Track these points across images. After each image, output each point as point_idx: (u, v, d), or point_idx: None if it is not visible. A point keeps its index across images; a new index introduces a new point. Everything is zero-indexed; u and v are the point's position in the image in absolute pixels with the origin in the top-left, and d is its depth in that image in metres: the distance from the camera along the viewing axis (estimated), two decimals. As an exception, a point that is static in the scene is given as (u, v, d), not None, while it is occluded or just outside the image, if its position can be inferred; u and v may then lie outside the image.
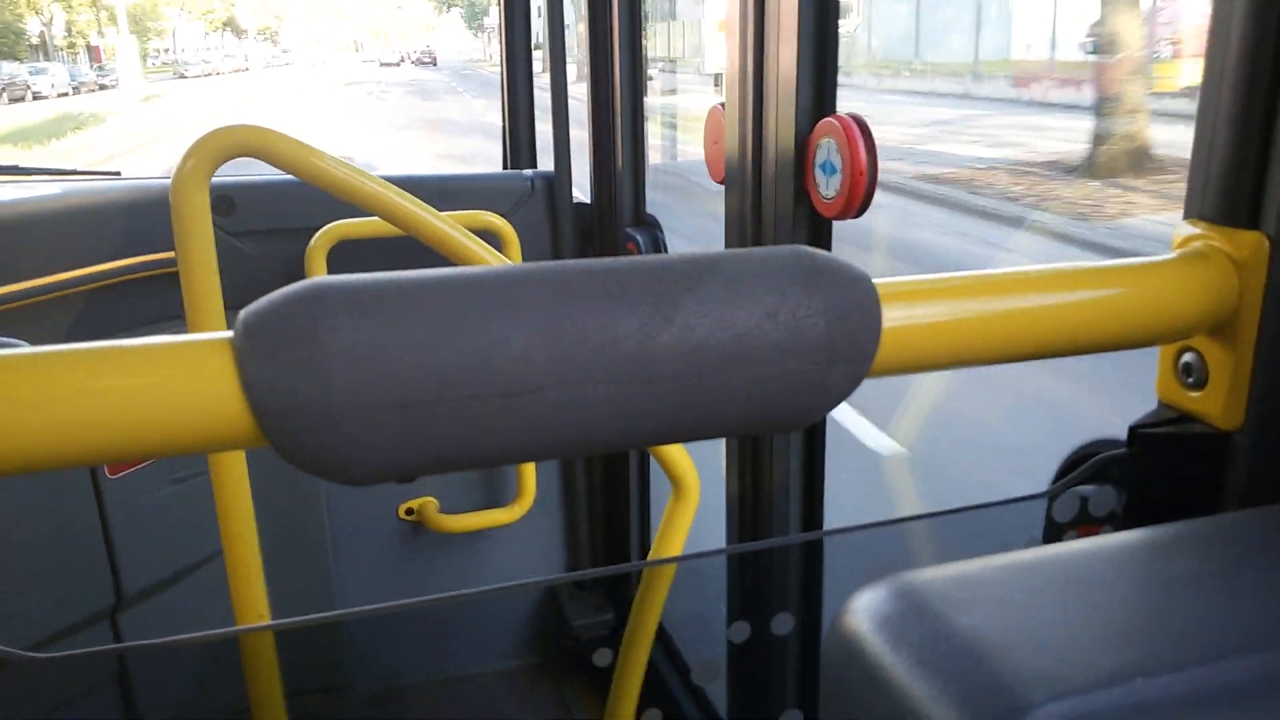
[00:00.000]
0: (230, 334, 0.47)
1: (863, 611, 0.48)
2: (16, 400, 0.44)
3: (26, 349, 0.46)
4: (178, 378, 0.47)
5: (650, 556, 1.64)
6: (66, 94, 36.36)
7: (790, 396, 0.51)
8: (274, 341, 0.45)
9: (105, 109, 28.80)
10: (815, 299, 0.51)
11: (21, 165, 2.23)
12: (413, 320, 0.46)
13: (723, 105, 1.50)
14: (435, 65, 63.52)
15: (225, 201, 2.00)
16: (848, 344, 0.51)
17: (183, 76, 50.85)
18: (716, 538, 1.74)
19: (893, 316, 0.56)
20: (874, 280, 0.54)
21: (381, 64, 67.15)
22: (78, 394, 0.45)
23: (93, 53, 51.85)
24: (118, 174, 2.51)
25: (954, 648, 0.44)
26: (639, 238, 2.10)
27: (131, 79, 36.11)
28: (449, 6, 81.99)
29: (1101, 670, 0.42)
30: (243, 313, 0.47)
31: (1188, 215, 0.67)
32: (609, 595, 2.48)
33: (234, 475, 1.55)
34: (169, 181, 1.57)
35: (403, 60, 68.07)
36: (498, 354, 0.46)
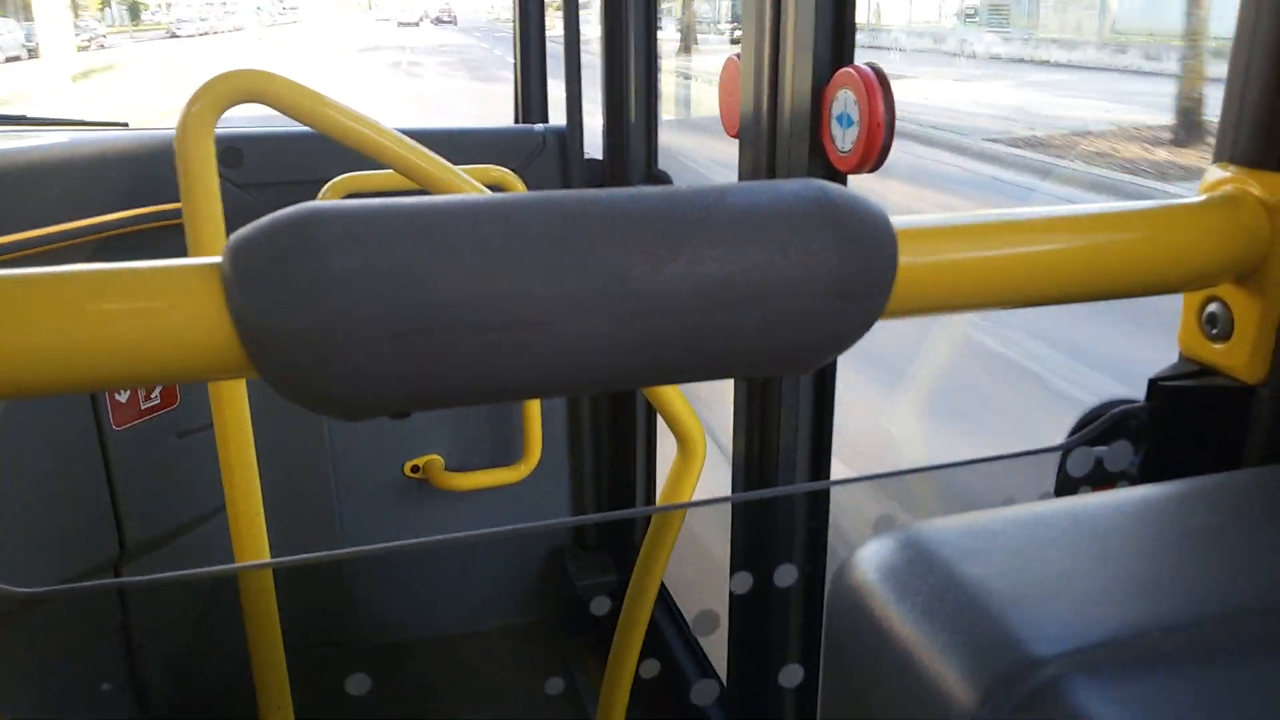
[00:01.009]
0: (218, 260, 0.45)
1: (868, 562, 0.46)
2: (2, 321, 0.42)
3: (15, 270, 0.44)
4: (164, 303, 0.45)
5: (655, 517, 1.63)
6: (18, 57, 27.21)
7: (801, 335, 0.49)
8: (261, 265, 0.43)
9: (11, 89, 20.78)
10: (829, 233, 0.48)
11: (29, 115, 2.21)
12: (407, 246, 0.43)
13: (738, 56, 1.46)
14: (456, 24, 57.95)
15: (233, 153, 1.97)
16: (862, 281, 0.49)
17: (174, 36, 44.89)
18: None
19: (909, 255, 0.54)
20: (891, 218, 0.52)
21: (399, 23, 60.82)
22: (60, 317, 0.43)
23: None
24: (125, 125, 2.49)
25: (963, 599, 0.42)
26: None
27: (57, 42, 25.25)
28: None
29: (1116, 624, 0.40)
30: (232, 237, 0.45)
31: (1218, 158, 0.64)
32: (612, 554, 2.48)
33: (239, 427, 1.54)
34: (174, 132, 1.54)
35: (421, 19, 61.59)
36: (496, 283, 0.44)
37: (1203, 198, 0.63)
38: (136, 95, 18.67)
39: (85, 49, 31.87)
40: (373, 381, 0.44)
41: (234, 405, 1.52)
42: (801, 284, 0.48)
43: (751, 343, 0.49)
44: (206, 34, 46.29)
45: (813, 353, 0.51)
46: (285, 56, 28.61)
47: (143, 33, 49.37)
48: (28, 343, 0.43)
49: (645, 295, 0.46)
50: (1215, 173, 0.64)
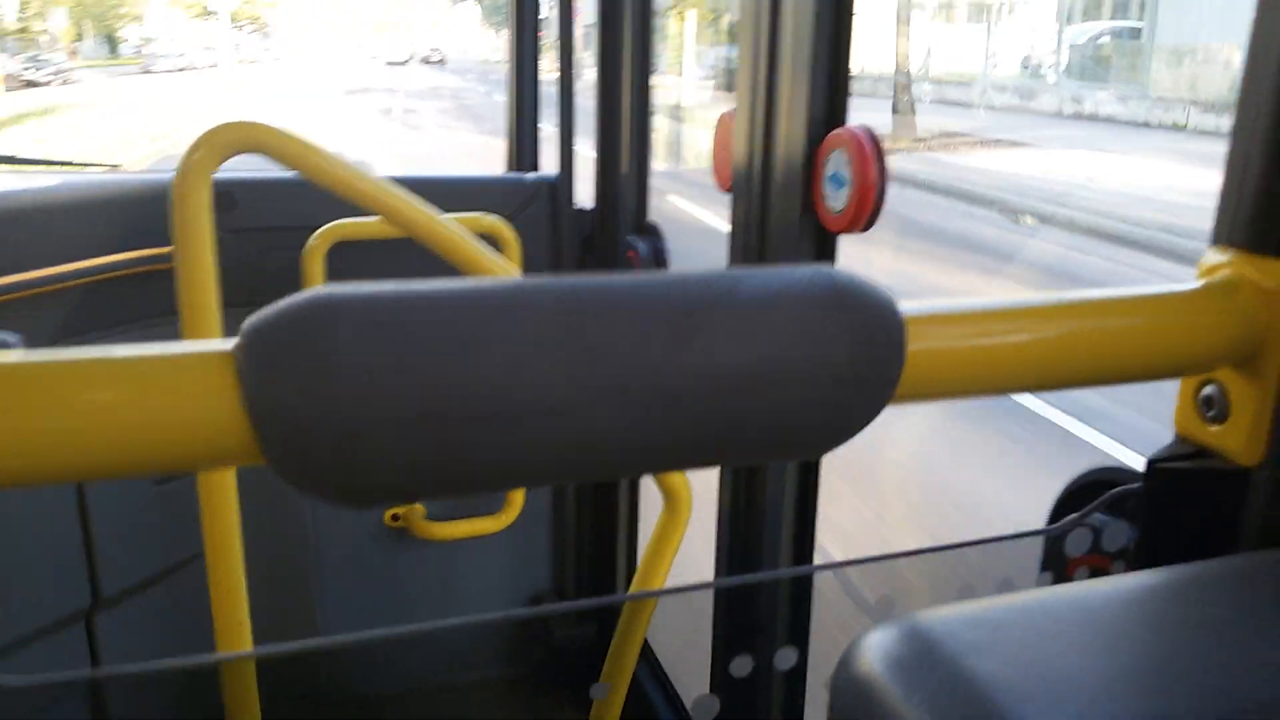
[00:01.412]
0: (231, 344, 0.44)
1: (873, 652, 0.45)
2: (5, 410, 0.41)
3: (18, 354, 0.43)
4: (176, 390, 0.44)
5: (639, 572, 1.61)
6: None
7: (811, 423, 0.49)
8: (278, 354, 0.42)
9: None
10: (840, 322, 0.48)
11: (19, 155, 2.20)
12: (424, 335, 0.43)
13: (733, 113, 1.47)
14: (445, 65, 56.83)
15: (226, 197, 1.97)
16: (871, 370, 0.49)
17: (148, 71, 42.79)
18: (706, 549, 1.71)
19: (917, 342, 0.53)
20: (898, 304, 0.52)
21: (387, 63, 59.00)
22: (68, 405, 0.42)
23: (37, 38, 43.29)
24: (117, 166, 2.49)
25: (971, 695, 0.41)
26: (640, 246, 2.08)
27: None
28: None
29: None
30: (246, 323, 0.44)
31: (1215, 241, 0.65)
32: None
33: (222, 477, 1.52)
34: (169, 176, 1.54)
35: (409, 59, 60.41)
36: (509, 373, 0.44)
37: (1201, 283, 0.63)
38: (68, 138, 16.06)
39: (37, 85, 29.91)
40: (385, 473, 0.43)
41: None
42: (813, 374, 0.48)
43: (762, 431, 0.48)
44: (184, 69, 44.34)
45: (822, 440, 0.51)
46: (263, 99, 25.44)
47: (120, 67, 47.44)
48: (35, 431, 0.42)
49: (659, 385, 0.46)
50: (1213, 256, 0.64)
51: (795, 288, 0.49)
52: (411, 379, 0.42)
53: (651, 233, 2.11)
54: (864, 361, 0.49)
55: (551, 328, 0.45)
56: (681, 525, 1.49)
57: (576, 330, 0.45)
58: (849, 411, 0.50)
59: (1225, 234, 0.64)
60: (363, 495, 0.45)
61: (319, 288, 0.45)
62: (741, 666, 1.19)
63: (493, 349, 0.44)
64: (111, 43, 54.34)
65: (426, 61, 59.26)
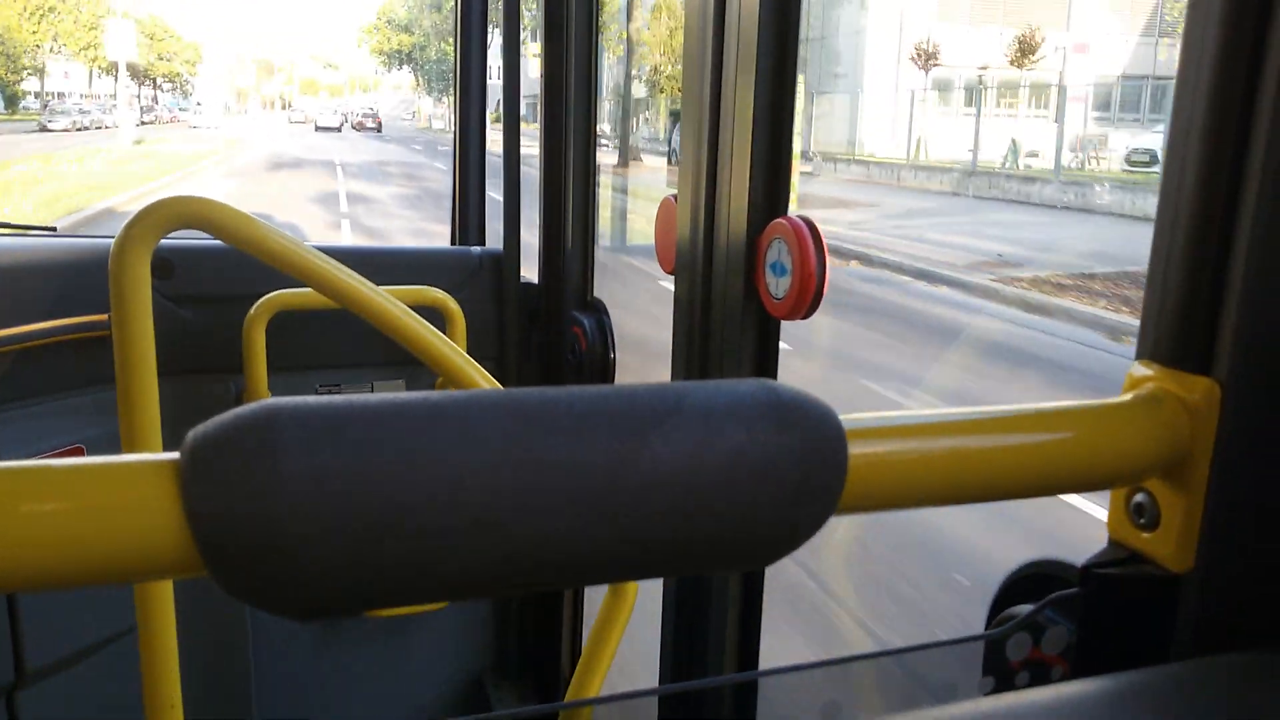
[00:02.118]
0: (175, 456, 0.44)
1: None
2: None
3: None
4: (115, 503, 0.43)
5: (585, 654, 1.59)
6: None
7: (756, 536, 0.50)
8: (222, 468, 0.42)
9: None
10: (784, 437, 0.49)
11: None
12: (370, 449, 0.43)
13: (674, 197, 1.50)
14: (380, 131, 51.89)
15: (164, 265, 1.94)
16: (815, 484, 0.50)
17: (45, 129, 38.79)
18: (652, 631, 1.69)
19: (858, 454, 0.55)
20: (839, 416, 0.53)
21: (318, 127, 52.93)
22: (7, 515, 0.42)
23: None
24: (53, 229, 2.44)
25: None
26: (585, 321, 2.09)
27: None
28: (397, 65, 70.77)
29: None
30: (190, 434, 0.44)
31: (1139, 355, 0.67)
32: (535, 682, 2.41)
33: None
34: (105, 241, 1.50)
35: (343, 124, 54.81)
36: (460, 487, 0.44)
37: (1128, 397, 0.65)
38: None
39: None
40: (331, 586, 0.43)
41: None
42: (758, 487, 0.48)
43: (709, 543, 0.49)
44: (85, 129, 40.18)
45: (768, 550, 0.51)
46: (159, 175, 19.61)
47: (18, 122, 43.50)
48: None
49: (605, 498, 0.46)
50: (1139, 369, 0.67)
51: (739, 402, 0.50)
52: (358, 492, 0.42)
53: (596, 309, 2.12)
54: (808, 475, 0.50)
55: (499, 441, 0.45)
56: (627, 608, 1.48)
57: (524, 444, 0.45)
58: (795, 523, 0.50)
59: (1149, 349, 0.67)
60: (307, 608, 0.44)
61: (264, 401, 0.44)
62: None
63: (440, 463, 0.44)
64: (8, 98, 50.61)
65: (360, 128, 53.84)
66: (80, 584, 0.44)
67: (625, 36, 28.69)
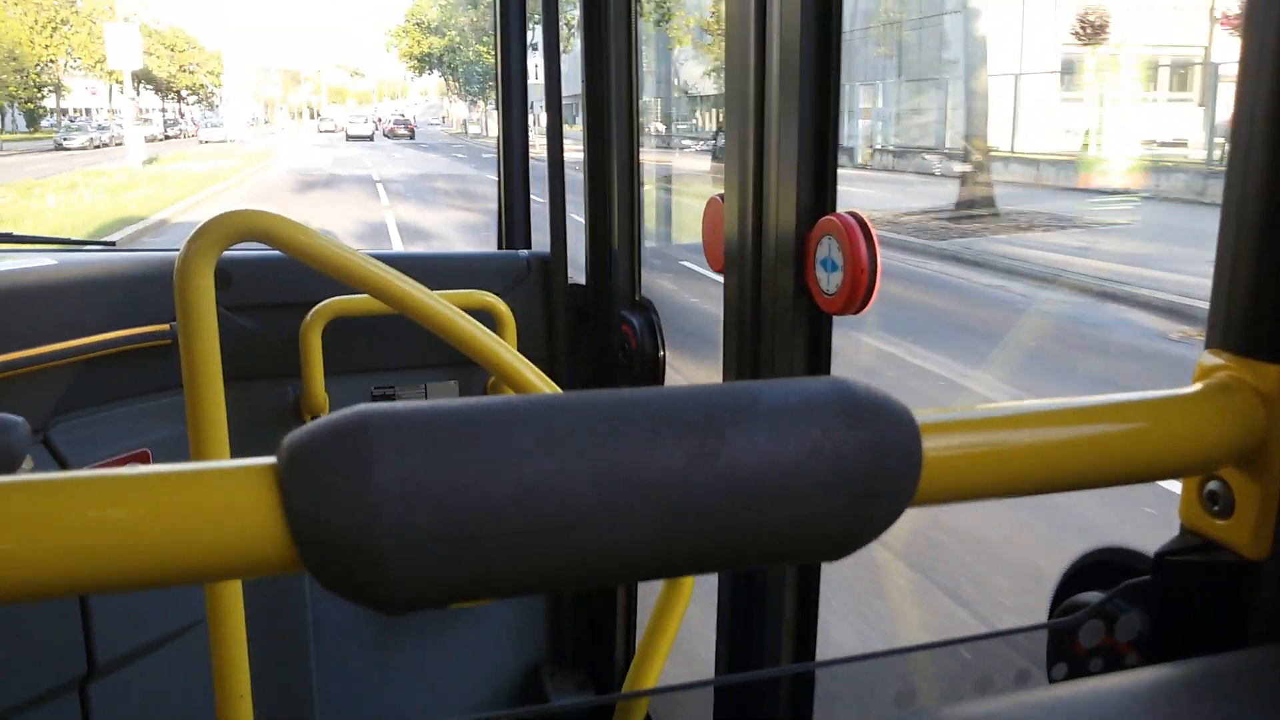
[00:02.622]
0: (272, 461, 0.47)
1: None
2: (54, 524, 0.43)
3: (70, 473, 0.45)
4: (219, 505, 0.46)
5: (641, 645, 1.60)
6: None
7: (830, 530, 0.51)
8: (320, 472, 0.45)
9: None
10: (858, 434, 0.50)
11: (15, 234, 2.22)
12: (459, 454, 0.45)
13: (721, 197, 1.51)
14: (413, 138, 48.87)
15: (223, 276, 2.00)
16: (889, 480, 0.51)
17: (61, 148, 37.59)
18: (707, 622, 1.71)
19: (931, 450, 0.56)
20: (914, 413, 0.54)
21: (349, 136, 48.81)
22: (115, 521, 0.44)
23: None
24: (113, 244, 2.51)
25: None
26: (634, 320, 2.11)
27: None
28: (427, 69, 64.82)
29: None
30: (286, 441, 0.47)
31: (1209, 345, 0.68)
32: (590, 673, 2.44)
33: None
34: (163, 255, 1.55)
35: (374, 132, 50.88)
36: (543, 489, 0.46)
37: (1199, 386, 0.66)
38: None
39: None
40: (422, 582, 0.46)
41: None
42: (832, 483, 0.50)
43: (782, 539, 0.50)
44: (104, 145, 38.30)
45: (841, 546, 0.52)
46: (151, 214, 16.06)
47: (38, 140, 41.91)
48: (84, 544, 0.44)
49: (684, 498, 0.48)
50: (1209, 359, 0.67)
51: (813, 400, 0.51)
52: (445, 494, 0.45)
53: (645, 308, 2.14)
54: (882, 471, 0.51)
55: (580, 443, 0.47)
56: (683, 598, 1.49)
57: (604, 446, 0.47)
58: (868, 520, 0.52)
59: (1219, 338, 0.67)
60: (397, 602, 0.47)
61: (357, 408, 0.47)
62: None
63: (524, 464, 0.46)
64: (28, 115, 49.07)
65: (393, 135, 50.19)
66: (188, 582, 0.47)
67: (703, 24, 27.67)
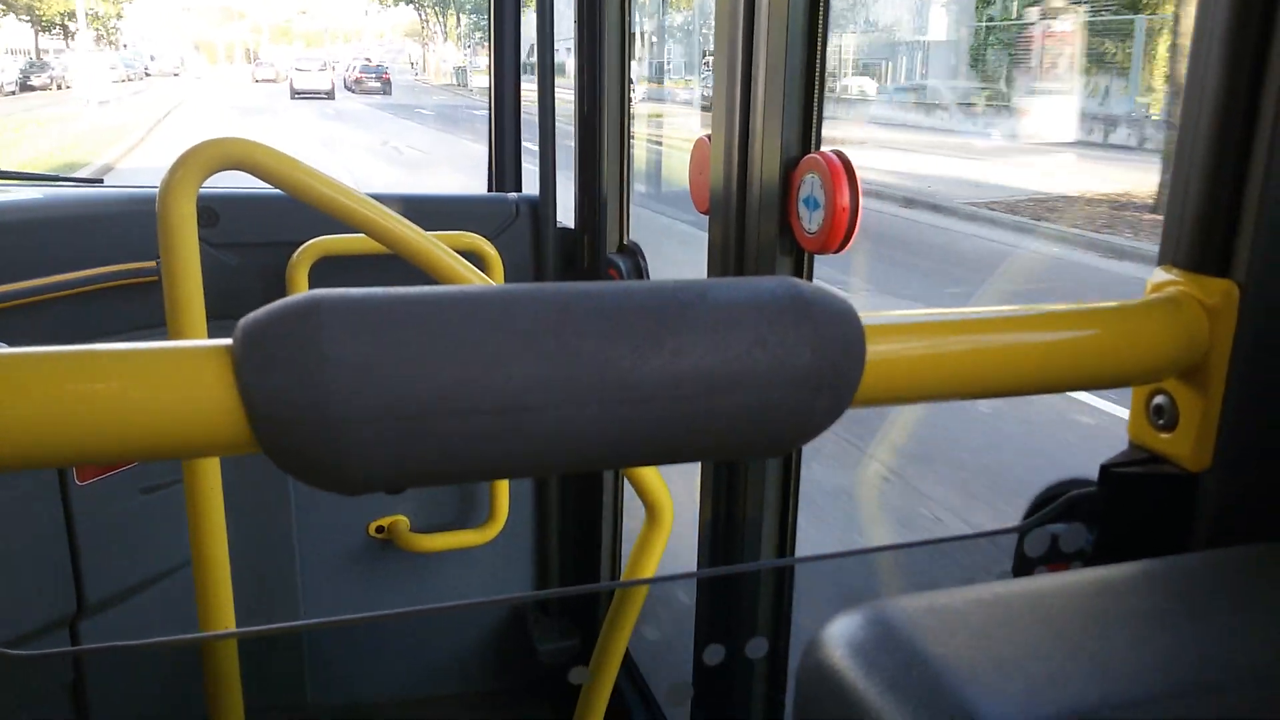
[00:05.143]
0: (228, 341, 0.48)
1: (837, 638, 0.48)
2: (14, 397, 0.45)
3: (30, 349, 0.47)
4: (175, 382, 0.47)
5: (623, 580, 1.64)
6: None
7: (775, 423, 0.53)
8: (273, 351, 0.46)
9: None
10: (803, 329, 0.52)
11: (2, 170, 2.22)
12: (410, 335, 0.47)
13: (708, 137, 1.52)
14: (389, 93, 34.01)
15: (209, 213, 2.00)
16: (833, 375, 0.53)
17: None
18: (688, 563, 1.74)
19: (876, 350, 0.57)
20: (859, 313, 0.56)
21: (296, 92, 31.61)
22: (76, 394, 0.46)
23: None
24: (100, 182, 2.51)
25: (928, 676, 0.45)
26: (621, 264, 2.12)
27: None
28: (396, 1, 50.51)
29: (1070, 701, 0.44)
30: (242, 321, 0.48)
31: (1162, 261, 0.69)
32: (575, 619, 2.48)
33: (208, 486, 1.54)
34: (151, 190, 1.55)
35: (331, 88, 32.65)
36: (494, 371, 0.47)
37: (1149, 298, 0.68)
38: None
39: None
40: (372, 461, 0.47)
41: (206, 468, 1.52)
42: (776, 376, 0.51)
43: (728, 429, 0.52)
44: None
45: (786, 439, 0.54)
46: None
47: None
48: (43, 416, 0.45)
49: (631, 384, 0.49)
50: (1160, 275, 0.69)
51: (761, 296, 0.53)
52: (397, 374, 0.46)
53: (632, 252, 2.15)
54: (826, 367, 0.53)
55: (531, 329, 0.49)
56: (663, 536, 1.52)
57: (554, 332, 0.49)
58: (811, 413, 0.53)
59: (1170, 254, 0.69)
60: (351, 483, 0.48)
61: (311, 291, 0.48)
62: (719, 655, 1.22)
63: (475, 348, 0.47)
64: None
65: (360, 87, 34.79)
66: (142, 458, 0.49)
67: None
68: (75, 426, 0.46)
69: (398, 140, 19.35)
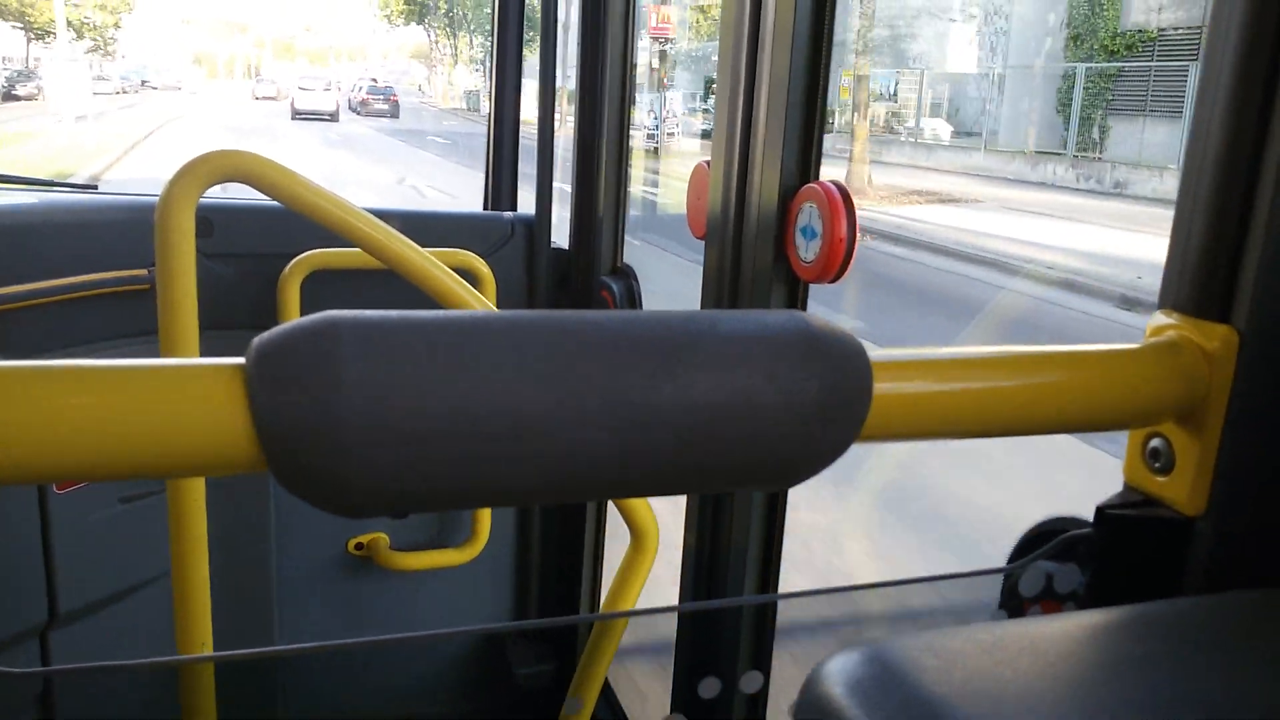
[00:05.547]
0: (240, 360, 0.48)
1: (835, 676, 0.48)
2: (18, 411, 0.44)
3: (38, 362, 0.46)
4: (185, 399, 0.47)
5: (604, 607, 1.62)
6: None
7: (781, 456, 0.52)
8: (289, 370, 0.46)
9: None
10: (812, 365, 0.52)
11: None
12: (426, 360, 0.46)
13: (708, 163, 1.52)
14: (396, 117, 32.25)
15: (204, 223, 1.99)
16: (840, 410, 0.53)
17: None
18: (667, 588, 1.73)
19: (882, 386, 0.57)
20: (867, 350, 0.56)
21: (297, 112, 29.35)
22: (80, 408, 0.45)
23: None
24: (94, 187, 2.50)
25: (923, 715, 0.44)
26: (614, 286, 2.12)
27: None
28: (404, 21, 47.00)
29: None
30: (256, 340, 0.47)
31: (1162, 305, 0.69)
32: (553, 643, 2.45)
33: (193, 499, 1.52)
34: (146, 199, 1.55)
35: (336, 109, 30.43)
36: (505, 397, 0.47)
37: (1149, 342, 0.68)
38: None
39: None
40: (381, 484, 0.47)
41: (191, 480, 1.50)
42: (783, 409, 0.51)
43: (735, 461, 0.52)
44: None
45: (792, 472, 0.54)
46: None
47: None
48: (49, 430, 0.44)
49: (639, 413, 0.49)
50: (1160, 318, 0.69)
51: (769, 329, 0.53)
52: (413, 398, 0.46)
53: (626, 274, 2.15)
54: (832, 402, 0.53)
55: (542, 358, 0.48)
56: (647, 562, 1.51)
57: (565, 361, 0.49)
58: (817, 448, 0.53)
59: (1171, 298, 0.69)
60: (356, 505, 0.48)
61: (326, 312, 0.48)
62: (705, 689, 1.21)
63: (486, 375, 0.47)
64: None
65: (365, 110, 32.88)
66: (146, 475, 0.48)
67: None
68: (79, 442, 0.45)
69: (415, 177, 16.81)
